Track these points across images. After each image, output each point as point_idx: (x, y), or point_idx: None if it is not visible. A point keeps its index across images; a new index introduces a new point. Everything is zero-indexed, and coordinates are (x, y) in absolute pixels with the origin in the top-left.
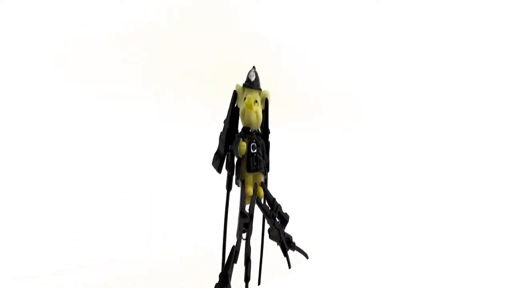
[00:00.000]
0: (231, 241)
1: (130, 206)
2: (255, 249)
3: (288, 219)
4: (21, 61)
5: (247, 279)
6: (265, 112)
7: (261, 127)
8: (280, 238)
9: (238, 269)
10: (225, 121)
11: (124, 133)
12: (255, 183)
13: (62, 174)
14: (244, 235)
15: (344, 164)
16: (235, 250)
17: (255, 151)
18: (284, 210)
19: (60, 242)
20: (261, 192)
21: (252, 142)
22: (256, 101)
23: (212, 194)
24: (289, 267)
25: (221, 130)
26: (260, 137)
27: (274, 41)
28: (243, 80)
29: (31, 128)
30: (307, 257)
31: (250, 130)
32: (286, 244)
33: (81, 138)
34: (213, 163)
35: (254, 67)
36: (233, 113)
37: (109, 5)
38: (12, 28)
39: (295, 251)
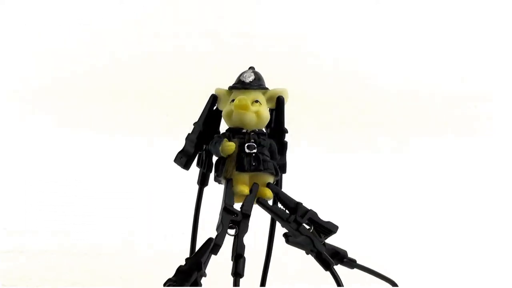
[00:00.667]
0: (205, 235)
1: (130, 206)
2: (261, 250)
3: (335, 229)
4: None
5: (236, 274)
6: (277, 111)
7: (270, 126)
8: (314, 247)
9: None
10: (196, 123)
11: (124, 133)
12: (254, 183)
13: (62, 174)
14: (232, 232)
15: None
16: (214, 243)
17: (254, 150)
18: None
19: (60, 242)
20: (267, 193)
21: (249, 142)
22: (257, 101)
23: (210, 194)
24: (338, 285)
25: (190, 132)
26: (265, 137)
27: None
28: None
29: (30, 127)
30: (392, 284)
31: (245, 130)
32: (333, 257)
33: (81, 138)
34: (176, 161)
35: (252, 67)
36: (210, 116)
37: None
38: None
39: (359, 270)
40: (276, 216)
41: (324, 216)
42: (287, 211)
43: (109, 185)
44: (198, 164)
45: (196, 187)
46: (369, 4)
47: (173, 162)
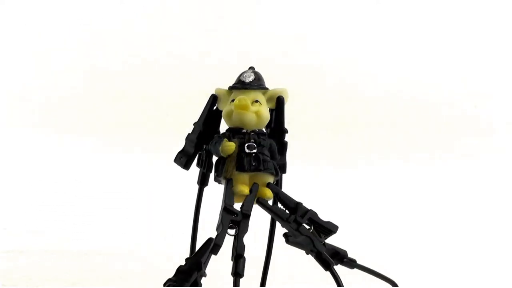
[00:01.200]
0: (205, 235)
1: (130, 206)
2: (261, 250)
3: (335, 229)
4: None
5: (236, 274)
6: (277, 111)
7: (270, 126)
8: (314, 247)
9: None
10: (196, 123)
11: (123, 132)
12: (254, 183)
13: (62, 174)
14: (232, 232)
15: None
16: (214, 243)
17: (254, 150)
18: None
19: (60, 242)
20: (267, 193)
21: (249, 142)
22: (257, 101)
23: (210, 194)
24: (338, 285)
25: (190, 132)
26: (265, 137)
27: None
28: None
29: (30, 127)
30: (392, 284)
31: (244, 130)
32: (333, 257)
33: (81, 138)
34: (176, 161)
35: (252, 67)
36: (210, 116)
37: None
38: None
39: (360, 270)
40: (276, 216)
41: (324, 216)
42: (287, 211)
43: (109, 185)
44: (198, 164)
45: (196, 187)
46: (369, 4)
47: (173, 162)
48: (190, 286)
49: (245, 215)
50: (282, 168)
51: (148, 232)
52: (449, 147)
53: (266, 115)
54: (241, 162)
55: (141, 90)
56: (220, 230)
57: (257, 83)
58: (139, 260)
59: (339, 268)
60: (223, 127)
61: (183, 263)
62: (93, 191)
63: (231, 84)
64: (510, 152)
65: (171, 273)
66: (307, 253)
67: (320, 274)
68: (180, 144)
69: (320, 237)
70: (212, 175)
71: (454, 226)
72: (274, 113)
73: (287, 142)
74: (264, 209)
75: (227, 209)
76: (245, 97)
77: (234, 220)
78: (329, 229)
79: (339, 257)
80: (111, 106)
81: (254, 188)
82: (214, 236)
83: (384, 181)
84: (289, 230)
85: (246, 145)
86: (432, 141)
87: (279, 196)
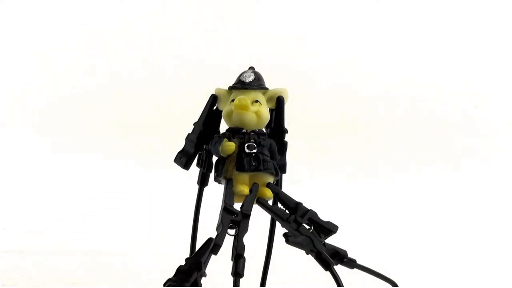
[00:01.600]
0: (205, 235)
1: (130, 206)
2: (261, 250)
3: (335, 229)
4: None
5: (236, 274)
6: (277, 111)
7: (270, 126)
8: (314, 247)
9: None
10: (196, 123)
11: (123, 132)
12: (254, 183)
13: (62, 174)
14: (232, 232)
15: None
16: (214, 243)
17: (254, 150)
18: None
19: (60, 242)
20: (267, 193)
21: (249, 142)
22: (257, 101)
23: (210, 194)
24: (339, 285)
25: (190, 132)
26: (265, 137)
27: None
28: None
29: (31, 127)
30: (392, 284)
31: (244, 130)
32: (333, 257)
33: (81, 138)
34: (176, 161)
35: (252, 67)
36: (210, 116)
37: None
38: None
39: (360, 270)
40: (276, 216)
41: (323, 216)
42: (287, 211)
43: (109, 185)
44: (198, 164)
45: (196, 187)
46: (369, 4)
47: (173, 162)
48: (190, 286)
49: (245, 215)
50: (282, 168)
51: (148, 232)
52: (449, 147)
53: (266, 115)
54: (241, 162)
55: (141, 90)
56: (220, 230)
57: (257, 83)
58: (139, 260)
59: (339, 268)
60: (223, 127)
61: (183, 263)
62: (93, 191)
63: (231, 84)
64: (510, 152)
65: (171, 273)
66: (307, 253)
67: (320, 274)
68: (180, 144)
69: (320, 237)
70: (212, 175)
71: (454, 226)
72: (274, 113)
73: (287, 142)
74: (264, 209)
75: (227, 209)
76: (245, 97)
77: (234, 220)
78: (329, 229)
79: (339, 257)
80: (111, 106)
81: (254, 188)
82: (214, 236)
83: (383, 181)
84: (289, 230)
85: (246, 145)
86: (432, 141)
87: (279, 196)
